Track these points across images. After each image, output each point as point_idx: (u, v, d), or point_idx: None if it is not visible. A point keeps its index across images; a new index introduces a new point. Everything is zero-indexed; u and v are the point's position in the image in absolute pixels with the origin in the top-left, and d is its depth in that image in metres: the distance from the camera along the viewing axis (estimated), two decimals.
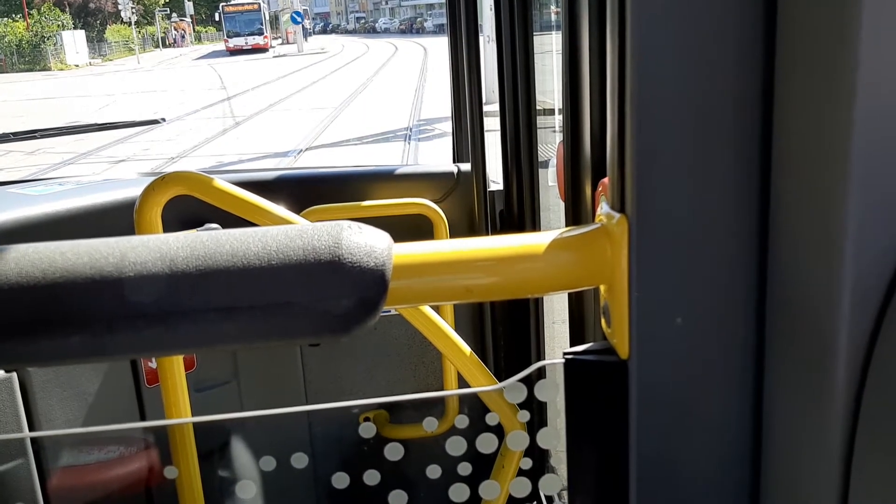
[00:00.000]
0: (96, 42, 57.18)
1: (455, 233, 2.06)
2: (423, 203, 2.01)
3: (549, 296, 1.93)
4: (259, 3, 50.99)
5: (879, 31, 0.45)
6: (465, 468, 0.86)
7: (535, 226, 1.84)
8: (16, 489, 1.68)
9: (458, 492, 0.82)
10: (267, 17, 53.70)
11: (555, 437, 0.80)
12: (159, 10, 70.59)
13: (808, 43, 0.50)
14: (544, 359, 1.88)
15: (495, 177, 2.14)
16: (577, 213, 1.20)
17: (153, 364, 1.92)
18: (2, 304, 0.50)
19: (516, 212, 1.89)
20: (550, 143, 2.38)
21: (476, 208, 2.06)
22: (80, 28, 54.16)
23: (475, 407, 1.83)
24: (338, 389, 2.21)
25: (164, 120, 4.73)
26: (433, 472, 0.85)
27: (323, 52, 43.82)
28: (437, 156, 9.59)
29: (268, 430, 1.70)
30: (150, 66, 42.77)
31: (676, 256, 0.57)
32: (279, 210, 1.54)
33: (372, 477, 0.89)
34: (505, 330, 2.13)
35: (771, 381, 0.58)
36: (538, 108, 1.78)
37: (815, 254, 0.50)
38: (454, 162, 2.28)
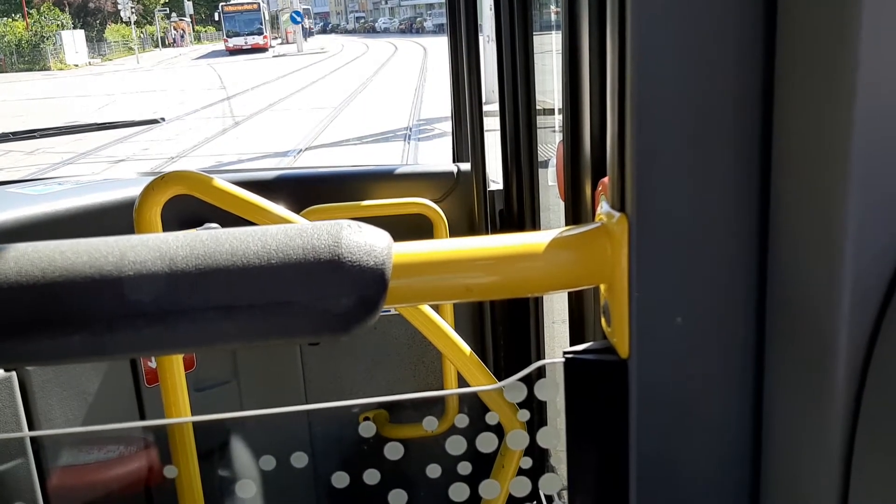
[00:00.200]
0: (96, 42, 57.15)
1: (455, 232, 2.06)
2: (423, 203, 2.01)
3: (548, 295, 1.93)
4: (258, 3, 50.98)
5: (879, 31, 0.45)
6: (464, 467, 0.86)
7: (534, 225, 1.84)
8: (15, 489, 1.68)
9: (458, 491, 0.82)
10: (267, 17, 53.71)
11: (555, 437, 0.80)
12: (159, 10, 70.59)
13: (808, 43, 0.50)
14: (544, 358, 1.88)
15: (495, 176, 2.14)
16: (576, 212, 1.20)
17: (153, 364, 1.92)
18: (1, 303, 0.50)
19: (516, 211, 1.89)
20: (550, 142, 2.38)
21: (476, 208, 2.06)
22: (80, 28, 54.15)
23: (475, 406, 1.83)
24: (338, 389, 2.21)
25: (163, 120, 4.73)
26: (433, 471, 0.85)
27: (322, 52, 43.83)
28: (437, 155, 9.59)
29: (267, 430, 1.70)
30: (149, 66, 42.76)
31: (676, 256, 0.57)
32: (279, 209, 1.54)
33: (372, 476, 0.89)
34: (505, 329, 2.13)
35: (771, 380, 0.58)
36: (538, 107, 1.78)
37: (815, 253, 0.50)
38: (454, 162, 2.28)
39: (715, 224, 0.56)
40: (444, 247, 0.61)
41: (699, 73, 0.54)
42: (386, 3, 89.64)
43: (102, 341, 0.51)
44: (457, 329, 1.60)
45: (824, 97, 0.48)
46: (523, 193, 1.84)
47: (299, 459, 0.87)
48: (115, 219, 1.85)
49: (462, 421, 0.89)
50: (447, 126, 3.24)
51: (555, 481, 0.90)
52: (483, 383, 1.55)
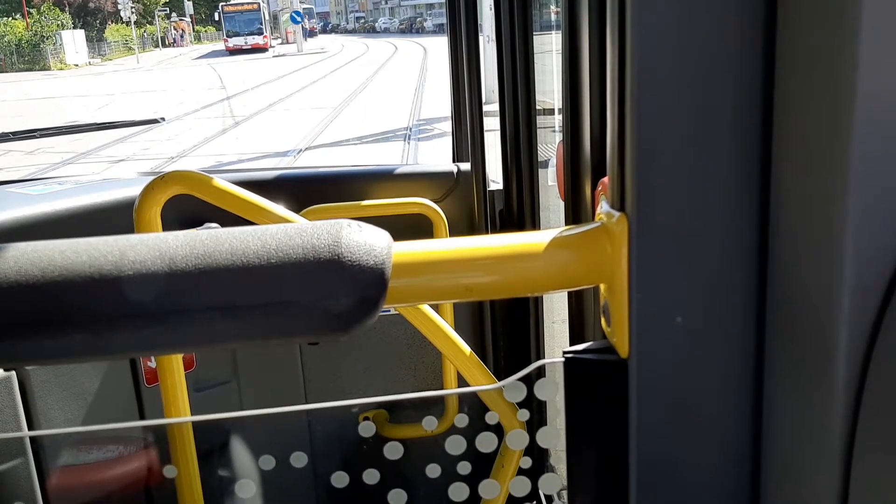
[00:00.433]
0: (96, 42, 57.15)
1: (455, 232, 2.06)
2: (423, 202, 2.01)
3: (548, 295, 1.93)
4: (258, 3, 50.98)
5: (879, 31, 0.45)
6: (464, 467, 0.86)
7: (534, 225, 1.84)
8: (15, 488, 1.68)
9: (458, 491, 0.82)
10: (267, 17, 53.69)
11: (554, 437, 0.80)
12: (159, 10, 70.58)
13: (807, 42, 0.50)
14: (544, 358, 1.88)
15: (495, 176, 2.14)
16: (576, 212, 1.20)
17: (152, 363, 1.92)
18: (1, 303, 0.50)
19: (516, 211, 1.89)
20: (550, 142, 2.38)
21: (476, 208, 2.06)
22: (80, 28, 54.15)
23: (475, 406, 1.83)
24: (337, 388, 2.21)
25: (163, 119, 4.73)
26: (433, 471, 0.85)
27: (322, 52, 43.82)
28: (437, 155, 9.59)
29: (267, 430, 1.70)
30: (149, 66, 42.77)
31: (676, 256, 0.57)
32: (279, 209, 1.54)
33: (371, 476, 0.89)
34: (505, 329, 2.13)
35: (771, 380, 0.58)
36: (538, 107, 1.78)
37: (814, 253, 0.50)
38: (454, 161, 2.28)
39: (715, 224, 0.56)
40: (444, 246, 0.61)
41: (699, 73, 0.54)
42: (386, 3, 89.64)
43: (102, 341, 0.51)
44: (457, 329, 1.60)
45: (824, 96, 0.48)
46: (523, 193, 1.84)
47: (299, 459, 0.87)
48: (114, 219, 1.85)
49: (462, 421, 0.89)
50: (447, 126, 3.24)
51: (554, 481, 0.90)
52: (483, 383, 1.55)
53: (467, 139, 2.07)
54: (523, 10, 1.67)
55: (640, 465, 0.61)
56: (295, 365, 2.19)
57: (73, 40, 47.24)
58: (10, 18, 49.46)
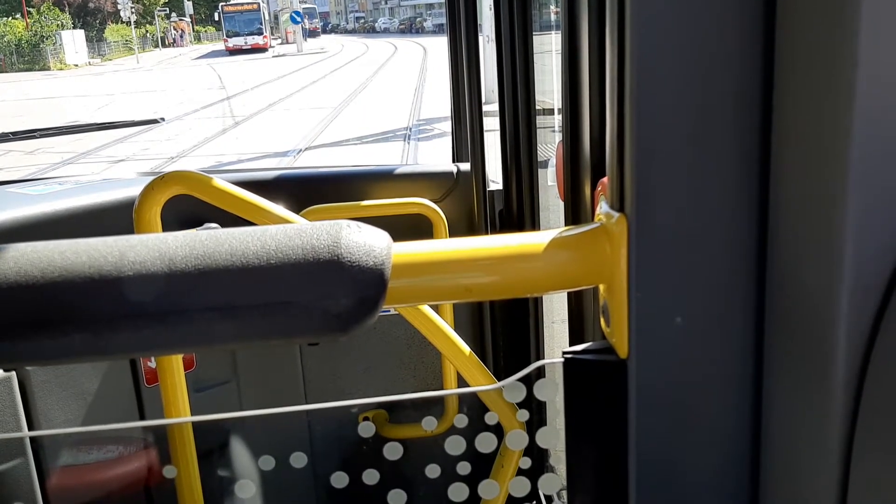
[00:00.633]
0: (95, 42, 57.15)
1: (454, 232, 2.06)
2: (423, 203, 2.01)
3: (548, 295, 1.93)
4: (258, 3, 50.99)
5: (879, 31, 0.45)
6: (464, 468, 0.86)
7: (534, 225, 1.84)
8: (15, 489, 1.68)
9: (458, 491, 0.82)
10: (267, 17, 53.69)
11: (554, 437, 0.80)
12: (158, 10, 70.57)
13: (807, 42, 0.50)
14: (544, 358, 1.88)
15: (495, 176, 2.14)
16: (576, 212, 1.20)
17: (152, 364, 1.92)
18: (1, 303, 0.50)
19: (516, 211, 1.89)
20: (550, 142, 2.38)
21: (475, 208, 2.06)
22: (80, 28, 54.14)
23: (474, 406, 1.83)
24: (337, 389, 2.21)
25: (163, 119, 4.73)
26: (432, 471, 0.85)
27: (322, 52, 43.82)
28: (437, 155, 9.59)
29: (267, 430, 1.70)
30: (149, 66, 42.77)
31: (676, 256, 0.57)
32: (278, 209, 1.54)
33: (371, 476, 0.89)
34: (504, 329, 2.13)
35: (770, 380, 0.58)
36: (538, 107, 1.78)
37: (814, 253, 0.50)
38: (454, 162, 2.28)
39: (714, 224, 0.56)
40: (444, 247, 0.61)
41: (698, 73, 0.54)
42: (386, 3, 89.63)
43: (102, 341, 0.51)
44: (456, 329, 1.60)
45: (824, 96, 0.48)
46: (523, 193, 1.84)
47: (298, 459, 0.87)
48: (114, 219, 1.85)
49: (461, 421, 0.89)
50: (447, 126, 3.24)
51: (554, 481, 0.90)
52: (482, 383, 1.55)
53: (467, 139, 2.07)
54: (523, 10, 1.67)
55: (640, 465, 0.61)
56: (295, 365, 2.19)
57: (73, 40, 47.25)
58: (10, 18, 49.47)
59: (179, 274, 0.50)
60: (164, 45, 68.55)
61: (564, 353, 0.63)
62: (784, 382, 0.56)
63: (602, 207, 0.62)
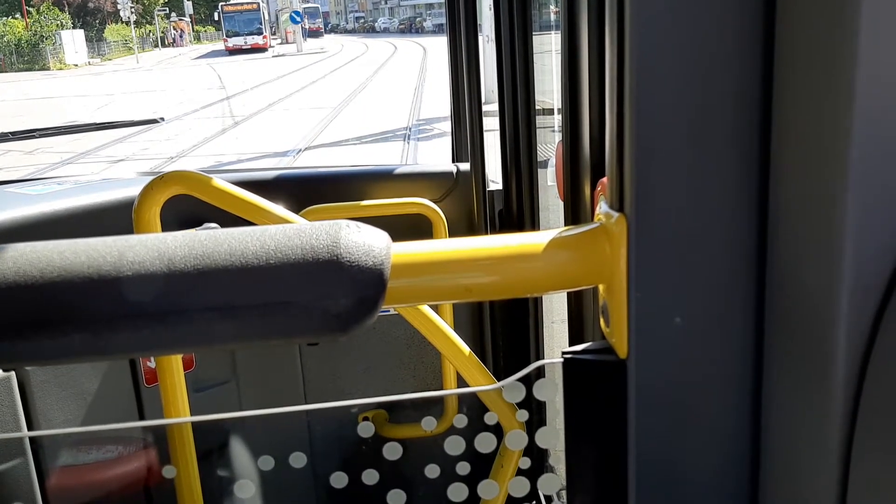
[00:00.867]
0: (95, 42, 57.13)
1: (454, 232, 2.06)
2: (423, 203, 2.01)
3: (548, 295, 1.93)
4: (258, 3, 50.99)
5: (878, 31, 0.45)
6: (463, 468, 0.86)
7: (534, 225, 1.84)
8: (15, 489, 1.68)
9: (457, 491, 0.82)
10: (267, 17, 53.68)
11: (554, 437, 0.80)
12: (158, 10, 70.57)
13: (807, 42, 0.50)
14: (543, 358, 1.88)
15: (494, 176, 2.14)
16: (576, 212, 1.20)
17: (152, 363, 1.92)
18: (0, 303, 0.50)
19: (515, 211, 1.89)
20: (550, 142, 2.38)
21: (475, 208, 2.05)
22: (79, 27, 54.13)
23: (474, 406, 1.83)
24: (337, 389, 2.21)
25: (162, 119, 4.73)
26: (432, 471, 0.85)
27: (322, 52, 43.83)
28: (437, 155, 9.59)
29: (266, 430, 1.70)
30: (149, 66, 42.77)
31: (675, 256, 0.57)
32: (278, 209, 1.54)
33: (371, 476, 0.89)
34: (504, 329, 2.13)
35: (770, 380, 0.58)
36: (537, 107, 1.78)
37: (813, 253, 0.50)
38: (453, 161, 2.28)
39: (714, 224, 0.56)
40: (444, 247, 0.61)
41: (698, 73, 0.54)
42: (385, 3, 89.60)
43: (101, 341, 0.51)
44: (456, 329, 1.60)
45: (823, 96, 0.48)
46: (523, 193, 1.84)
47: (298, 459, 0.87)
48: (114, 219, 1.85)
49: (461, 421, 0.89)
50: (447, 126, 3.24)
51: (554, 481, 0.90)
52: (482, 383, 1.55)
53: (467, 139, 2.07)
54: (523, 10, 1.67)
55: (639, 465, 0.61)
56: (294, 365, 2.19)
57: (73, 40, 47.24)
58: (10, 18, 49.46)
59: (179, 274, 0.50)
60: (163, 45, 68.55)
61: (564, 353, 0.63)
62: (784, 382, 0.56)
63: (602, 207, 0.62)
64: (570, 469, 0.66)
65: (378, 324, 2.05)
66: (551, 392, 0.75)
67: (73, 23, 53.58)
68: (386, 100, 18.09)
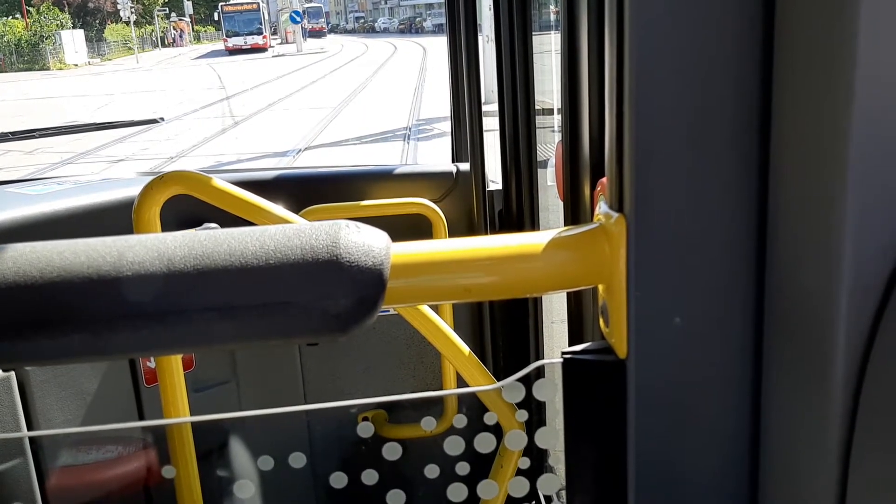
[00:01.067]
0: (95, 41, 57.13)
1: (454, 232, 2.06)
2: (422, 203, 2.01)
3: (547, 295, 1.93)
4: (258, 3, 50.98)
5: (878, 31, 0.45)
6: (463, 468, 0.86)
7: (534, 225, 1.84)
8: (14, 489, 1.68)
9: (457, 491, 0.82)
10: (267, 17, 53.67)
11: (553, 437, 0.80)
12: (158, 10, 70.56)
13: (806, 42, 0.50)
14: (543, 358, 1.88)
15: (494, 176, 2.14)
16: (575, 212, 1.20)
17: (152, 364, 1.92)
18: (0, 303, 0.50)
19: (515, 212, 1.89)
20: (549, 142, 2.38)
21: (475, 208, 2.05)
22: (79, 27, 54.12)
23: (474, 407, 1.83)
24: (336, 389, 2.21)
25: (162, 119, 4.73)
26: (431, 471, 0.85)
27: (322, 52, 43.82)
28: (437, 155, 9.59)
29: (266, 430, 1.70)
30: (148, 66, 42.76)
31: (674, 256, 0.57)
32: (278, 209, 1.54)
33: (370, 476, 0.89)
34: (504, 329, 2.13)
35: (769, 380, 0.58)
36: (537, 107, 1.78)
37: (813, 253, 0.50)
38: (453, 162, 2.28)
39: (713, 224, 0.56)
40: (443, 247, 0.61)
41: (697, 74, 0.54)
42: (385, 3, 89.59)
43: (101, 341, 0.51)
44: (456, 329, 1.60)
45: (822, 97, 0.48)
46: (522, 193, 1.84)
47: (298, 460, 0.87)
48: (113, 219, 1.85)
49: (461, 421, 0.89)
50: (446, 126, 3.24)
51: (553, 481, 0.90)
52: (482, 383, 1.55)
53: (466, 139, 2.07)
54: (522, 10, 1.67)
55: (639, 465, 0.61)
56: (294, 365, 2.19)
57: (73, 40, 47.24)
58: (10, 18, 49.46)
59: (178, 274, 0.50)
60: (163, 45, 68.54)
61: (563, 353, 0.63)
62: (783, 383, 0.56)
63: (601, 208, 0.62)
64: (570, 469, 0.66)
65: (378, 324, 2.05)
66: (551, 392, 0.75)
67: (73, 23, 53.56)
68: (386, 100, 18.08)
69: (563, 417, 0.65)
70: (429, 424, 1.17)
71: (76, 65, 46.24)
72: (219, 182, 1.56)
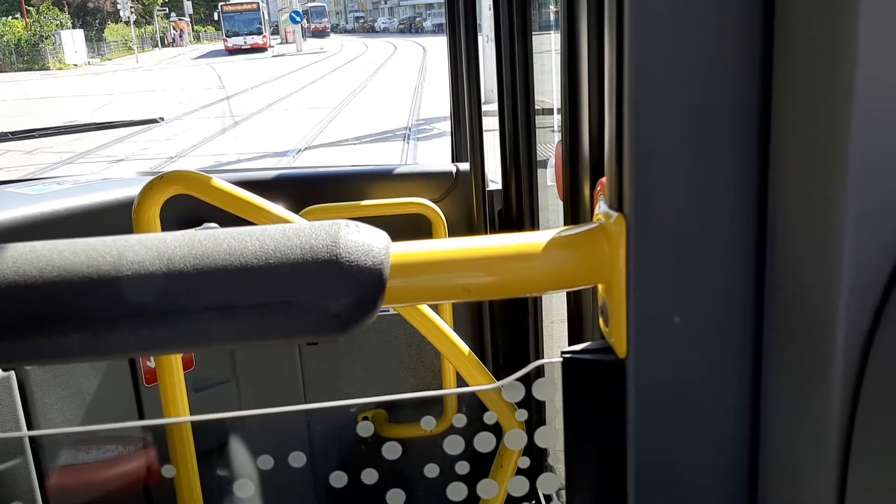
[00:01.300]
0: (95, 41, 57.12)
1: (454, 232, 2.06)
2: (422, 202, 2.01)
3: (547, 295, 1.93)
4: (258, 3, 50.96)
5: (878, 31, 0.45)
6: (463, 467, 0.86)
7: (533, 225, 1.84)
8: (14, 488, 1.68)
9: (457, 491, 0.82)
10: (267, 17, 53.66)
11: (553, 436, 0.80)
12: (158, 10, 70.54)
13: (806, 42, 0.50)
14: (543, 358, 1.88)
15: (494, 176, 2.14)
16: (575, 212, 1.20)
17: (152, 363, 1.92)
18: (0, 303, 0.50)
19: (515, 211, 1.89)
20: (549, 142, 2.38)
21: (475, 208, 2.06)
22: (79, 27, 54.10)
23: (473, 406, 1.83)
24: (336, 388, 2.21)
25: (162, 119, 4.73)
26: (431, 471, 0.85)
27: (322, 52, 43.81)
28: (437, 155, 9.59)
29: (266, 429, 1.70)
30: (148, 66, 42.76)
31: (674, 256, 0.57)
32: (277, 209, 1.54)
33: (370, 476, 0.89)
34: (503, 329, 2.13)
35: (769, 380, 0.58)
36: (537, 107, 1.78)
37: (812, 253, 0.50)
38: (453, 161, 2.28)
39: (713, 224, 0.56)
40: (443, 247, 0.61)
41: (697, 74, 0.54)
42: (385, 2, 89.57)
43: (101, 341, 0.51)
44: (455, 329, 1.60)
45: (822, 97, 0.48)
46: (522, 193, 1.84)
47: (297, 459, 0.87)
48: (113, 219, 1.85)
49: (460, 421, 0.89)
50: (446, 126, 3.24)
51: (553, 481, 0.90)
52: (482, 383, 1.55)
53: (466, 139, 2.07)
54: (522, 10, 1.67)
55: (639, 464, 0.61)
56: (294, 365, 2.19)
57: (73, 40, 47.22)
58: (10, 18, 49.46)
59: (178, 274, 0.50)
60: (163, 45, 68.54)
61: (563, 352, 0.63)
62: (783, 382, 0.56)
63: (601, 207, 0.62)
64: (570, 468, 0.66)
65: (378, 324, 2.05)
66: (550, 392, 0.75)
67: (72, 23, 53.54)
68: (386, 100, 18.08)
69: (562, 417, 0.65)
70: (428, 424, 1.17)
71: (76, 65, 46.22)
72: (219, 182, 1.56)
